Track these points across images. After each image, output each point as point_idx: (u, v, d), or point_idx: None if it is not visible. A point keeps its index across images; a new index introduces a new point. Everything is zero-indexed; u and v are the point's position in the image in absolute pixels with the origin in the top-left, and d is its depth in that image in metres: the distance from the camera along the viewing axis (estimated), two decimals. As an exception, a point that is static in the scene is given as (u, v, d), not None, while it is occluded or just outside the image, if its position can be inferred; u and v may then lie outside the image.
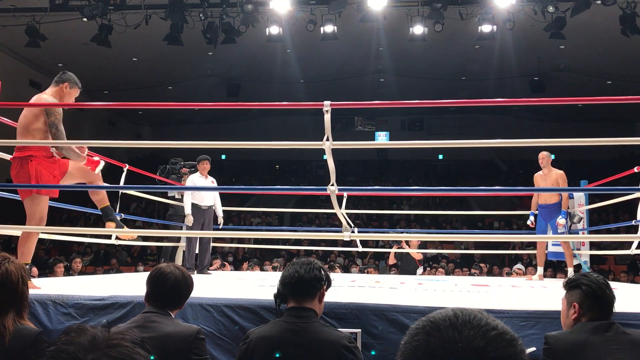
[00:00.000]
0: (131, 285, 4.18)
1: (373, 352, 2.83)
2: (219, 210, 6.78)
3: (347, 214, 5.91)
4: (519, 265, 9.18)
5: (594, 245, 9.37)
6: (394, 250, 8.57)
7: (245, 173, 21.52)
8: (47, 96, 4.10)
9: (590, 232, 7.49)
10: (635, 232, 5.93)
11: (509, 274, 8.86)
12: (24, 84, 16.73)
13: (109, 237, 6.06)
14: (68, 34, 13.45)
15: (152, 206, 15.68)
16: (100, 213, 4.33)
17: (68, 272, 8.23)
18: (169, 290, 2.38)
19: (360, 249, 7.58)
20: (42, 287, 3.65)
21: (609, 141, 3.73)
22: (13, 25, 12.59)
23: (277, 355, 2.17)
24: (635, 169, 5.52)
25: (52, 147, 3.99)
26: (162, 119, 22.93)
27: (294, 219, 17.39)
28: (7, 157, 4.23)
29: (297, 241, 13.61)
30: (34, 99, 4.10)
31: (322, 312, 2.50)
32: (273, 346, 2.20)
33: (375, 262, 12.48)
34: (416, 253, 8.29)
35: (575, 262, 6.68)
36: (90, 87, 18.27)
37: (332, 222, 15.28)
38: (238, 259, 12.76)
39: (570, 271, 6.30)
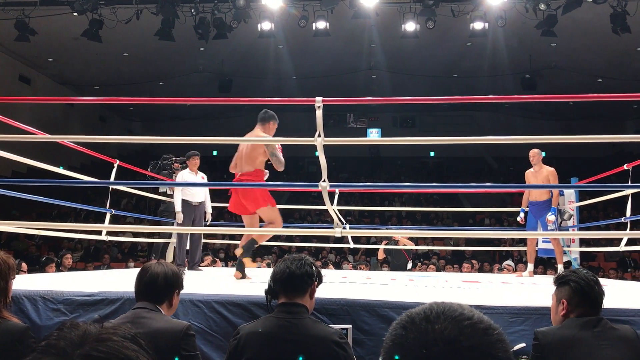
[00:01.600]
0: (121, 281, 4.16)
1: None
2: (208, 206, 6.76)
3: (338, 210, 5.91)
4: (509, 262, 9.23)
5: (584, 242, 9.45)
6: (382, 246, 8.59)
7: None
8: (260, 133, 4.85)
9: (580, 229, 7.54)
10: (625, 229, 5.98)
11: (500, 270, 8.90)
12: (13, 79, 16.60)
13: (99, 232, 6.04)
14: (58, 29, 13.35)
15: (143, 202, 15.62)
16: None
17: (58, 268, 8.18)
18: (146, 285, 2.39)
19: (351, 245, 7.60)
20: (32, 283, 3.62)
21: (599, 138, 3.75)
22: (2, 19, 12.47)
23: (268, 351, 2.17)
24: (625, 167, 5.56)
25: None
26: (153, 114, 22.82)
27: (286, 215, 17.37)
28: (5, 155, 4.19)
29: (289, 238, 13.61)
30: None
31: (313, 308, 2.50)
32: (263, 342, 2.20)
33: (367, 258, 12.51)
34: (407, 241, 8.30)
35: (565, 259, 6.72)
36: (80, 82, 18.22)
37: (323, 218, 15.29)
38: (229, 256, 12.74)
39: (560, 268, 6.33)
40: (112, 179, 5.83)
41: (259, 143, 4.76)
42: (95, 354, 0.70)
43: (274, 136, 4.91)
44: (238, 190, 4.89)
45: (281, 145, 4.83)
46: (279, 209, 4.98)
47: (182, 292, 2.54)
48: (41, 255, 10.76)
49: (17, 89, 16.45)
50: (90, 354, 0.70)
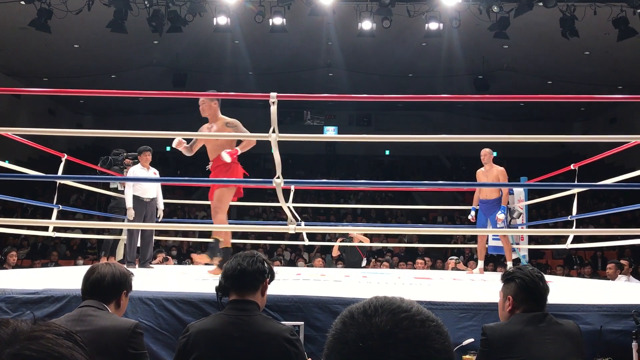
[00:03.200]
0: (68, 279, 4.04)
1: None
2: (160, 203, 6.64)
3: (294, 207, 5.90)
4: (452, 257, 9.41)
5: (532, 239, 9.70)
6: (337, 243, 8.62)
7: (191, 165, 21.15)
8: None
9: (528, 227, 7.74)
10: (571, 227, 6.17)
11: (455, 266, 9.05)
12: (-44, 69, 15.94)
13: (46, 229, 5.86)
14: (4, 17, 12.86)
15: (93, 198, 15.24)
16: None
17: (2, 266, 7.90)
18: (91, 284, 2.35)
19: (306, 242, 7.60)
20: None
21: (548, 139, 3.85)
22: (-56, 6, 11.95)
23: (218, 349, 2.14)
24: (572, 167, 5.74)
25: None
26: (105, 108, 22.25)
27: (241, 212, 17.25)
28: None
29: (244, 235, 13.51)
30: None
31: (265, 305, 2.49)
32: (213, 339, 2.17)
33: (322, 255, 12.54)
34: (363, 237, 8.36)
35: (514, 256, 6.89)
36: (28, 73, 17.60)
37: (279, 216, 15.25)
38: (182, 253, 12.57)
39: (510, 265, 6.49)
40: (60, 173, 5.67)
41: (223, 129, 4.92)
42: (27, 352, 0.67)
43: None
44: (213, 171, 5.09)
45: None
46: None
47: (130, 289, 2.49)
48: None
49: (-39, 79, 15.80)
50: (21, 352, 0.67)
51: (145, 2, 11.61)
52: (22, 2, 11.41)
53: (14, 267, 8.03)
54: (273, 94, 3.41)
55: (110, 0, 11.37)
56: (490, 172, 6.59)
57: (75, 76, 16.37)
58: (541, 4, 11.14)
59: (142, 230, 6.36)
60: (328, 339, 0.84)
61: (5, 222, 4.96)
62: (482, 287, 4.67)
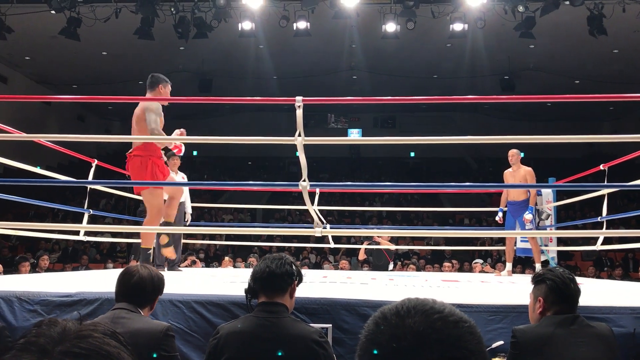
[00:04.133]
0: (99, 282, 4.11)
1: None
2: (188, 206, 6.71)
3: (319, 210, 5.91)
4: (477, 260, 9.33)
5: (561, 241, 9.56)
6: (364, 246, 8.61)
7: (217, 169, 21.37)
8: (144, 103, 4.58)
9: (557, 229, 7.63)
10: (601, 229, 6.07)
11: (482, 269, 8.97)
12: (-11, 78, 16.35)
13: (77, 233, 5.97)
14: (35, 27, 13.16)
15: (122, 202, 15.48)
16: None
17: (34, 269, 8.07)
18: (133, 289, 2.39)
19: (332, 245, 7.61)
20: (8, 283, 3.57)
21: (576, 139, 3.80)
22: (-22, 17, 12.27)
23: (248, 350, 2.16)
24: (601, 167, 5.65)
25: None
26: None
27: (267, 215, 17.34)
28: None
29: (270, 238, 13.58)
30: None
31: (294, 308, 2.50)
32: (243, 341, 2.20)
33: (347, 258, 12.53)
34: (387, 242, 8.34)
35: (543, 258, 6.80)
36: (58, 81, 17.98)
37: (304, 219, 15.29)
38: (209, 256, 12.68)
39: (538, 267, 6.41)
40: (90, 178, 5.77)
41: (140, 109, 4.49)
42: (76, 350, 0.70)
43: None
44: (128, 169, 4.53)
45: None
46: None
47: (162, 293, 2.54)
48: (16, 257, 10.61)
49: (-6, 87, 16.19)
50: (71, 350, 0.70)
51: (172, 9, 11.77)
52: (52, 12, 11.67)
53: (46, 271, 8.21)
54: (299, 98, 3.43)
55: (137, 7, 11.55)
56: (517, 173, 6.52)
57: (103, 83, 16.67)
58: (568, 2, 11.00)
59: (170, 233, 6.43)
60: (361, 340, 0.85)
61: (38, 227, 5.07)
62: (511, 289, 4.62)
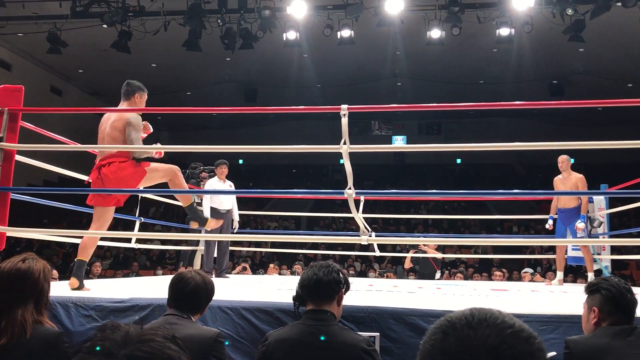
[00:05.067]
0: (151, 288, 4.22)
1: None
2: (236, 214, 6.81)
3: (364, 218, 5.90)
4: (527, 269, 9.11)
5: (615, 250, 9.26)
6: (410, 254, 8.54)
7: (262, 177, 21.60)
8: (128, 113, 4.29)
9: (610, 237, 7.40)
10: (657, 237, 5.86)
11: (532, 279, 8.76)
12: (45, 90, 17.00)
13: (128, 240, 6.13)
14: (88, 41, 13.64)
15: (171, 210, 15.80)
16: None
17: (87, 275, 8.32)
18: (188, 295, 2.42)
19: (377, 253, 7.57)
20: (64, 289, 3.70)
21: (629, 144, 3.68)
22: (35, 33, 12.80)
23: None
24: (657, 173, 5.46)
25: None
26: (180, 124, 23.10)
27: (311, 223, 17.40)
28: (31, 161, 4.29)
29: (314, 245, 13.62)
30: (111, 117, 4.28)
31: (341, 316, 2.51)
32: (292, 348, 2.21)
33: (393, 267, 12.45)
34: (434, 251, 8.26)
35: (595, 267, 6.60)
36: (109, 92, 18.52)
37: (348, 226, 15.27)
38: (255, 263, 12.80)
39: (591, 276, 6.22)
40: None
41: (120, 121, 4.17)
42: (140, 354, 0.73)
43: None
44: (103, 174, 4.09)
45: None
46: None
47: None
48: (71, 263, 10.95)
49: (49, 99, 16.84)
50: (135, 354, 0.73)
51: (218, 21, 12.01)
52: (104, 26, 12.07)
53: (97, 277, 8.45)
54: (344, 106, 3.44)
55: (185, 20, 11.83)
56: (568, 179, 6.36)
57: (152, 94, 17.01)
58: (620, 4, 10.69)
59: (218, 241, 6.55)
60: (425, 348, 0.84)
61: (90, 234, 5.20)
62: (563, 298, 4.50)
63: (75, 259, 4.08)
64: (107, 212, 4.20)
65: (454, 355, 0.80)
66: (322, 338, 2.17)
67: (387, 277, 9.26)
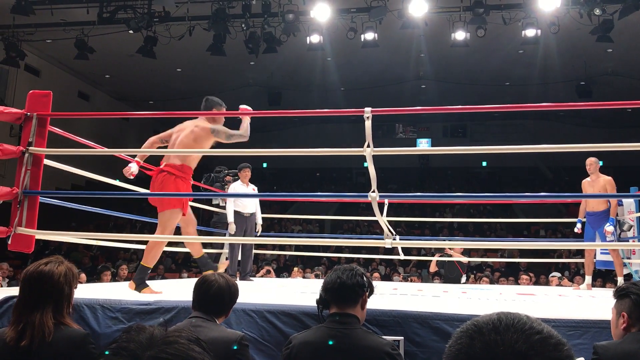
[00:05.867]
0: (176, 291, 4.25)
1: None
2: (259, 217, 6.83)
3: (388, 221, 5.88)
4: (554, 273, 8.97)
5: (645, 254, 9.05)
6: (435, 258, 8.47)
7: (286, 181, 21.67)
8: (203, 123, 4.52)
9: (641, 241, 7.24)
10: (690, 241, 5.72)
11: (559, 283, 8.63)
12: (73, 95, 17.31)
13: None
14: (115, 46, 13.85)
15: (196, 214, 15.92)
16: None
17: (114, 278, 8.43)
18: (212, 298, 2.44)
19: (402, 257, 7.53)
20: (91, 292, 3.75)
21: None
22: (63, 39, 13.05)
23: None
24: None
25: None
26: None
27: (335, 226, 17.39)
28: (59, 166, 4.37)
29: (338, 249, 13.60)
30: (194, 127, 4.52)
31: (365, 319, 2.50)
32: (316, 352, 2.21)
33: (417, 270, 12.36)
34: (460, 255, 8.19)
35: (625, 272, 6.47)
36: (135, 97, 18.84)
37: (372, 230, 15.22)
38: (279, 266, 12.83)
39: (620, 280, 6.10)
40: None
41: (204, 130, 4.40)
42: (164, 355, 0.73)
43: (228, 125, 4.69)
44: (155, 183, 4.40)
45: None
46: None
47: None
48: (98, 266, 11.11)
49: (77, 104, 17.15)
50: (159, 356, 0.73)
51: (242, 25, 12.09)
52: (130, 32, 12.24)
53: (125, 280, 8.55)
54: (367, 109, 3.43)
55: (209, 25, 11.94)
56: (596, 182, 6.25)
57: (178, 98, 17.31)
58: (649, 3, 10.49)
59: (242, 244, 6.58)
60: (451, 352, 0.83)
61: (117, 237, 5.29)
62: (591, 303, 4.42)
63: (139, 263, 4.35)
64: (163, 216, 4.36)
65: None
66: (330, 342, 2.16)
67: (411, 280, 9.19)
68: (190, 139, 4.41)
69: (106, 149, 5.13)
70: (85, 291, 3.70)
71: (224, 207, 6.90)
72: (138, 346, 0.74)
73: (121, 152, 5.44)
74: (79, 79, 17.40)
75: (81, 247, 12.80)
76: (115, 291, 4.06)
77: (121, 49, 14.15)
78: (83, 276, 7.55)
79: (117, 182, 5.61)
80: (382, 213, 5.55)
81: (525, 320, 0.82)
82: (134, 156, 4.53)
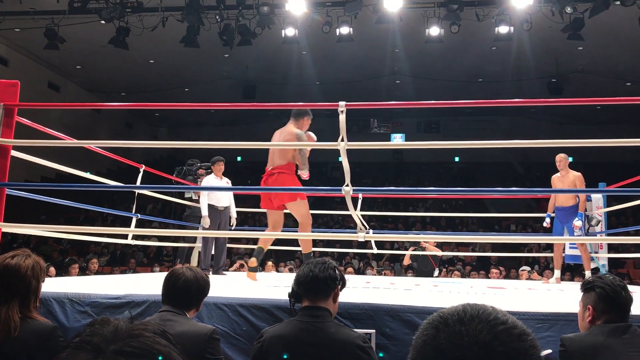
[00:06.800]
0: (147, 284, 4.21)
1: (381, 354, 2.82)
2: (233, 211, 6.80)
3: (362, 215, 5.90)
4: (524, 267, 9.11)
5: (612, 248, 9.26)
6: (409, 252, 8.54)
7: (260, 174, 21.51)
8: (291, 129, 5.02)
9: (608, 235, 7.40)
10: (655, 235, 5.86)
11: (529, 277, 8.77)
12: (42, 86, 16.96)
13: (126, 237, 6.12)
14: (86, 37, 13.61)
15: (168, 207, 15.79)
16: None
17: (84, 272, 8.31)
18: (179, 291, 2.42)
19: (375, 250, 7.58)
20: (60, 285, 3.69)
21: (627, 142, 3.68)
22: (32, 28, 12.76)
23: (285, 357, 2.17)
24: (655, 171, 5.46)
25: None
26: (178, 120, 23.08)
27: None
28: (28, 157, 4.28)
29: (312, 242, 13.59)
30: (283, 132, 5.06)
31: (337, 312, 2.50)
32: (287, 345, 2.21)
33: (390, 264, 12.45)
34: (435, 248, 8.27)
35: (593, 266, 6.61)
36: (107, 88, 18.53)
37: (347, 224, 15.27)
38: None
39: (588, 274, 6.22)
40: (138, 183, 5.90)
41: (290, 136, 4.88)
42: (129, 349, 0.72)
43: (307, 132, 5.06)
44: (268, 183, 5.00)
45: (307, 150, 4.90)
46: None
47: (207, 295, 2.57)
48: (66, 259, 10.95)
49: (47, 95, 16.80)
50: (124, 349, 0.72)
51: (217, 17, 11.98)
52: (102, 22, 12.04)
53: (95, 274, 8.44)
54: (342, 103, 3.43)
55: (183, 16, 11.81)
56: (566, 177, 6.36)
57: (150, 90, 17.09)
58: (618, 2, 10.69)
59: (216, 238, 6.54)
60: (417, 343, 0.83)
61: (87, 230, 5.21)
62: (560, 296, 4.50)
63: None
64: (272, 215, 5.13)
65: (445, 352, 0.79)
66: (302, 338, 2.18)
67: (384, 274, 9.26)
68: (285, 140, 4.97)
69: (76, 141, 5.04)
70: (53, 285, 3.63)
71: (196, 201, 6.84)
72: (102, 340, 0.73)
73: (92, 144, 5.36)
74: (49, 70, 17.05)
75: (51, 240, 12.59)
76: (85, 285, 3.99)
77: (93, 40, 13.90)
78: (52, 270, 7.42)
79: (88, 175, 5.53)
80: (355, 207, 5.57)
81: (490, 311, 0.83)
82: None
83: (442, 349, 0.79)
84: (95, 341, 0.73)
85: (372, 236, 6.16)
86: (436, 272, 8.49)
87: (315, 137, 5.16)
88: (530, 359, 0.78)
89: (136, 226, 5.97)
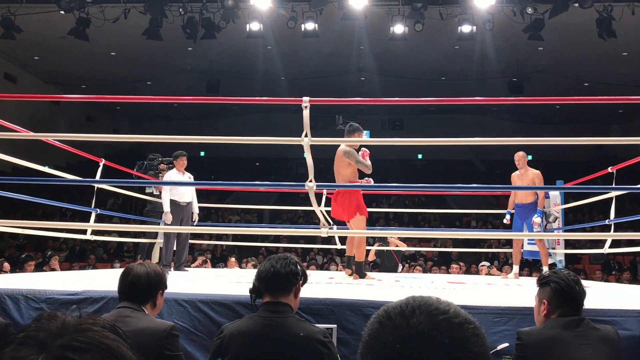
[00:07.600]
0: (105, 281, 4.13)
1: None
2: (195, 207, 6.72)
3: (326, 212, 5.92)
4: (484, 263, 9.29)
5: (569, 244, 9.50)
6: (374, 247, 8.59)
7: (224, 170, 21.40)
8: (343, 147, 5.38)
9: (565, 231, 7.59)
10: (609, 232, 6.03)
11: (489, 272, 8.93)
12: (-1, 77, 16.45)
13: (85, 232, 5.99)
14: (44, 27, 13.24)
15: (129, 202, 15.53)
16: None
17: (41, 268, 8.11)
18: (129, 286, 2.40)
19: (339, 246, 7.60)
20: (15, 282, 3.59)
21: (584, 141, 3.78)
22: (-12, 17, 12.36)
23: (251, 351, 2.16)
24: (610, 169, 5.61)
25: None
26: (140, 114, 22.68)
27: (274, 217, 17.35)
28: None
29: (276, 238, 13.59)
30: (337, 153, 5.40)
31: (298, 308, 2.50)
32: (247, 341, 2.20)
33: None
34: (402, 244, 8.34)
35: (550, 261, 6.76)
36: (67, 81, 18.06)
37: (311, 220, 15.29)
38: (216, 257, 12.70)
39: (545, 270, 6.36)
40: (97, 178, 5.79)
41: (339, 156, 5.26)
42: (76, 344, 0.70)
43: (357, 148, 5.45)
44: (337, 199, 5.34)
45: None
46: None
47: (166, 291, 2.54)
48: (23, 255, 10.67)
49: (2, 87, 16.29)
50: (71, 344, 0.70)
51: (180, 10, 11.81)
52: (62, 12, 11.74)
53: (51, 270, 8.24)
54: (305, 98, 3.43)
55: (146, 8, 11.60)
56: (525, 175, 6.49)
57: (112, 83, 16.74)
58: (577, 4, 10.94)
59: (178, 234, 6.46)
60: (364, 338, 0.84)
61: (45, 225, 5.09)
62: (517, 291, 4.60)
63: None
64: (360, 222, 5.32)
65: (388, 345, 0.80)
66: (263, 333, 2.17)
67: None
68: (338, 161, 5.38)
69: (33, 134, 4.92)
70: (8, 281, 3.54)
71: (157, 196, 6.75)
72: (48, 335, 0.71)
73: (50, 137, 5.22)
74: (6, 60, 16.51)
75: (6, 235, 12.24)
76: (41, 281, 3.90)
77: (52, 30, 13.53)
78: (6, 265, 7.23)
79: (46, 169, 5.40)
80: (319, 203, 5.58)
81: (432, 302, 0.83)
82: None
83: (385, 343, 0.80)
84: (41, 336, 0.70)
85: (335, 231, 6.18)
86: (400, 268, 8.58)
87: (368, 152, 5.56)
88: (471, 347, 0.79)
89: (96, 221, 5.86)
